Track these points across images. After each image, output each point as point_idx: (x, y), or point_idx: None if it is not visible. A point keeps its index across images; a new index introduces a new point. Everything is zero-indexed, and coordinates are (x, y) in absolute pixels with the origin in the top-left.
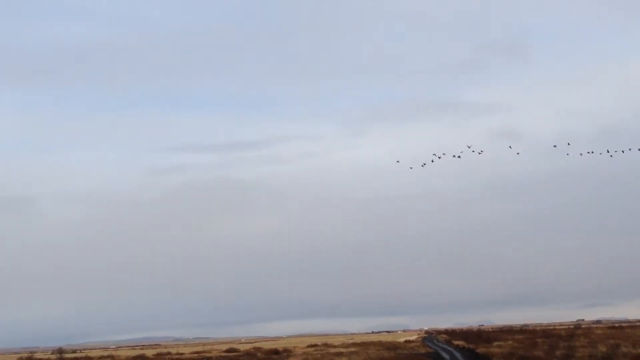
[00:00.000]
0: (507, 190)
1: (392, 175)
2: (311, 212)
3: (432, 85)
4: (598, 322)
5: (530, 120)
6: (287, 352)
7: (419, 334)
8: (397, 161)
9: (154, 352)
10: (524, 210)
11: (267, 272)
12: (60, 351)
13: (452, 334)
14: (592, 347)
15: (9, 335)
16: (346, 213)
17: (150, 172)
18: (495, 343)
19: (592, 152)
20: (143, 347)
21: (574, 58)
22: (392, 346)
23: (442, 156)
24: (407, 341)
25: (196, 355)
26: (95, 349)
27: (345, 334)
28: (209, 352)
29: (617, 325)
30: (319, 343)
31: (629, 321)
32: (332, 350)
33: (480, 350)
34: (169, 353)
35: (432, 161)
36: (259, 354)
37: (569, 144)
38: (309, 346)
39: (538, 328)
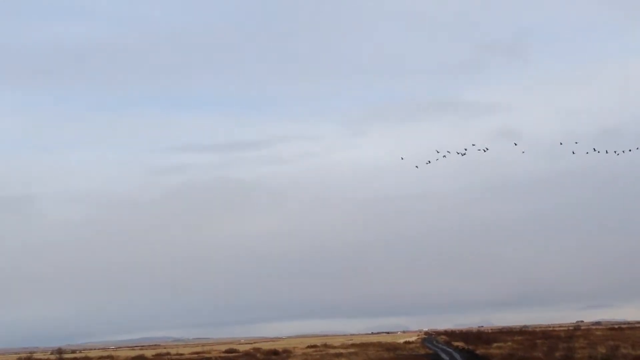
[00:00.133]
0: (507, 190)
1: (391, 175)
2: (311, 212)
3: (432, 85)
4: (598, 323)
5: (530, 120)
6: (287, 352)
7: (418, 335)
8: (402, 158)
9: (154, 352)
10: (523, 210)
11: (266, 273)
12: (60, 351)
13: (451, 335)
14: (591, 349)
15: (9, 335)
16: (346, 213)
17: (150, 172)
18: (495, 344)
19: (599, 152)
20: (142, 347)
21: (574, 58)
22: (391, 347)
23: (447, 154)
24: (406, 342)
25: (195, 355)
26: (95, 349)
27: (345, 335)
28: (209, 352)
29: (616, 326)
30: (318, 344)
31: (628, 323)
32: (332, 351)
33: (480, 351)
34: (168, 353)
35: (437, 159)
36: (258, 355)
37: (576, 143)
38: (308, 347)
39: (537, 329)
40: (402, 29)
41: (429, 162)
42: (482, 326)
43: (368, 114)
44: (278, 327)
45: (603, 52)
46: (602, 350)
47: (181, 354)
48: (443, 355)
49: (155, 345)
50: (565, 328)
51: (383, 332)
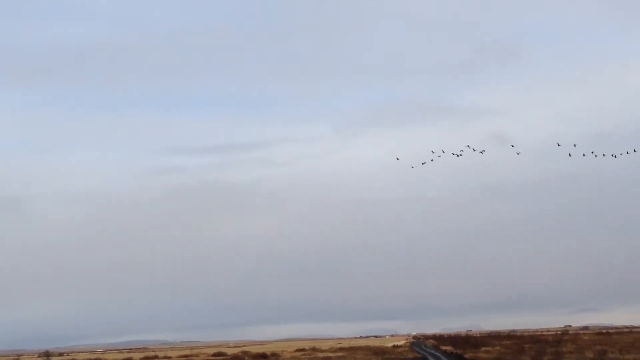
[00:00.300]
0: (498, 194)
1: (386, 178)
2: (303, 215)
3: (430, 86)
4: (585, 328)
5: (528, 122)
6: (275, 356)
7: (407, 339)
8: (397, 159)
9: (142, 355)
10: (513, 215)
11: (256, 276)
12: (47, 354)
13: (440, 339)
14: (579, 353)
15: None
16: (337, 216)
17: (149, 172)
18: (483, 348)
19: (596, 155)
20: (131, 350)
21: (573, 59)
22: (380, 351)
23: (442, 154)
24: (395, 346)
25: (184, 358)
26: (83, 352)
27: (334, 339)
28: (197, 355)
29: (604, 331)
30: (307, 347)
31: (616, 327)
32: (320, 354)
33: (468, 355)
34: (156, 357)
35: (432, 160)
36: (246, 358)
37: (575, 145)
38: (297, 350)
39: (526, 334)
40: (402, 29)
41: (424, 162)
42: (471, 330)
43: (367, 115)
44: (267, 330)
45: (602, 53)
46: (589, 355)
47: (169, 357)
48: (431, 359)
49: (143, 348)
50: (553, 332)
51: (372, 336)
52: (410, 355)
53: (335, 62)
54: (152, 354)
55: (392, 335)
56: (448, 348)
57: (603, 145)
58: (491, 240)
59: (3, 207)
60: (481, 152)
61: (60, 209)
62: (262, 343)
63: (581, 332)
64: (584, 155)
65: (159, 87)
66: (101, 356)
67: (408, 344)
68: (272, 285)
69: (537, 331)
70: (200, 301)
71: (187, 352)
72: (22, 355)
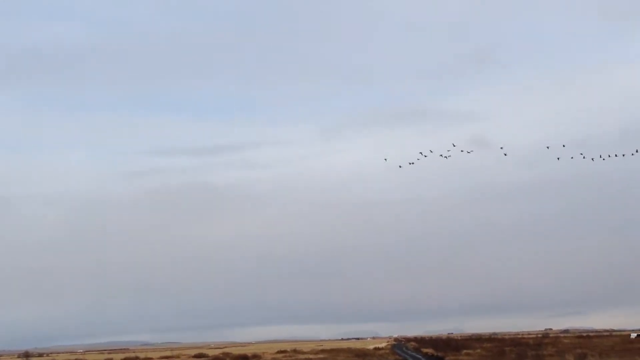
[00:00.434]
0: (482, 199)
1: (368, 181)
2: (284, 218)
3: (412, 91)
4: (566, 331)
5: (509, 127)
6: (256, 357)
7: (388, 341)
8: (385, 159)
9: (122, 356)
10: (493, 220)
11: (237, 278)
12: (27, 355)
13: (421, 341)
14: (559, 356)
15: None
16: (320, 219)
17: (130, 174)
18: (464, 351)
19: (585, 157)
20: (111, 351)
21: (553, 64)
22: (361, 353)
23: (430, 154)
24: (376, 348)
25: None
26: (63, 352)
27: (315, 340)
28: (178, 357)
29: (584, 334)
30: (288, 349)
31: (596, 331)
32: (301, 356)
33: (449, 358)
34: (137, 358)
35: (418, 159)
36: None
37: (564, 146)
38: (278, 352)
39: (507, 337)
40: (387, 34)
41: (412, 163)
42: (452, 333)
43: (350, 118)
44: (248, 332)
45: (585, 58)
46: (570, 358)
47: (150, 359)
48: None
49: (124, 349)
50: (534, 335)
51: (353, 338)
52: (392, 358)
53: (320, 66)
54: (133, 355)
55: (374, 338)
56: (429, 350)
57: (589, 149)
58: (473, 244)
59: None
60: (468, 152)
61: (42, 210)
62: (243, 345)
63: (562, 335)
64: (572, 158)
65: (154, 88)
66: (81, 357)
67: (389, 346)
68: (251, 287)
69: (518, 334)
70: (181, 303)
71: (168, 353)
72: (1, 355)
